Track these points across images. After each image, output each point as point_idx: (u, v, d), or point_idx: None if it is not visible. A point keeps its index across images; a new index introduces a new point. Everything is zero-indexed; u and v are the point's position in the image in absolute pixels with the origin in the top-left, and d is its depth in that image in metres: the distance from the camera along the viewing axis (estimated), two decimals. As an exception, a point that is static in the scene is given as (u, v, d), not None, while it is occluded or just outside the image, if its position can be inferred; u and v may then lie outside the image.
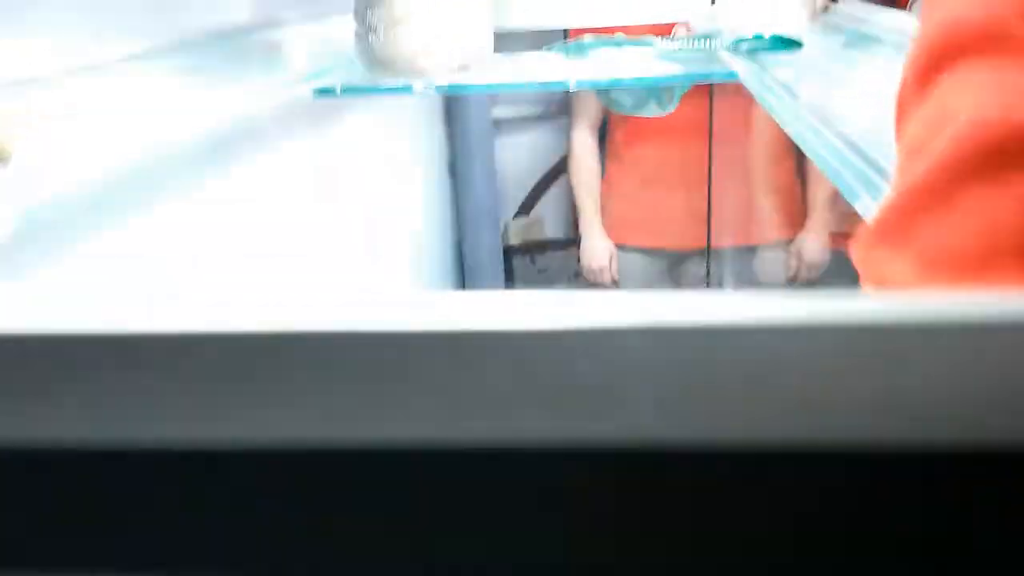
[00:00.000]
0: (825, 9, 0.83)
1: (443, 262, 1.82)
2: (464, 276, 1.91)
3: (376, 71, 1.01)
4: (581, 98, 1.90)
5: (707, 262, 1.91)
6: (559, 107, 2.17)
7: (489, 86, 0.97)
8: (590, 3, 1.60)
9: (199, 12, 0.88)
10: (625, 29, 1.73)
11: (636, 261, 1.96)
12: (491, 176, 1.88)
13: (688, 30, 1.69)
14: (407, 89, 0.95)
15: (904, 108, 0.29)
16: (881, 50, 0.68)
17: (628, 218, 1.94)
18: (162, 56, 0.75)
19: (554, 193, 2.34)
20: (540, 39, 1.83)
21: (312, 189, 1.11)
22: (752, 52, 0.87)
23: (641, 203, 1.92)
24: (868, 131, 0.53)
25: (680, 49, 1.00)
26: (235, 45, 0.88)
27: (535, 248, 2.21)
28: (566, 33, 1.90)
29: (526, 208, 2.32)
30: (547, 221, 2.32)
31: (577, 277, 2.06)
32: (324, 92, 0.95)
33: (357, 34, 1.02)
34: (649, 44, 1.05)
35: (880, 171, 0.47)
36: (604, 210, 1.96)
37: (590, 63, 1.00)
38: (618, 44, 1.07)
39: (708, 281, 1.89)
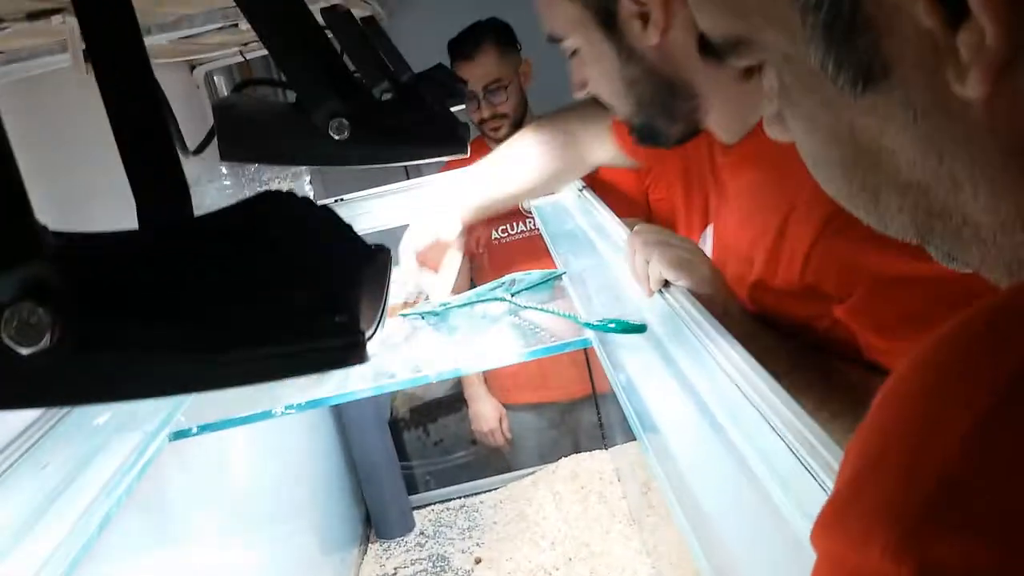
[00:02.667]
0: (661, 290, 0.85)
1: (335, 458, 1.77)
2: (356, 467, 1.86)
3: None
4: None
5: (596, 407, 1.93)
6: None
7: (347, 395, 0.94)
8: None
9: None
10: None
11: (526, 418, 1.96)
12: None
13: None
14: (266, 415, 0.92)
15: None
16: (705, 360, 0.72)
17: (511, 377, 1.95)
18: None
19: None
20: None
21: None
22: (603, 331, 0.89)
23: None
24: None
25: (532, 307, 1.01)
26: (72, 420, 0.83)
27: (425, 416, 2.18)
28: (407, 171, 1.91)
29: (408, 374, 2.29)
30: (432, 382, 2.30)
31: (474, 444, 2.05)
32: (180, 435, 0.91)
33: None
34: (500, 298, 1.06)
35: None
36: (487, 373, 1.96)
37: (450, 348, 0.99)
38: (471, 304, 1.06)
39: (601, 427, 1.91)
